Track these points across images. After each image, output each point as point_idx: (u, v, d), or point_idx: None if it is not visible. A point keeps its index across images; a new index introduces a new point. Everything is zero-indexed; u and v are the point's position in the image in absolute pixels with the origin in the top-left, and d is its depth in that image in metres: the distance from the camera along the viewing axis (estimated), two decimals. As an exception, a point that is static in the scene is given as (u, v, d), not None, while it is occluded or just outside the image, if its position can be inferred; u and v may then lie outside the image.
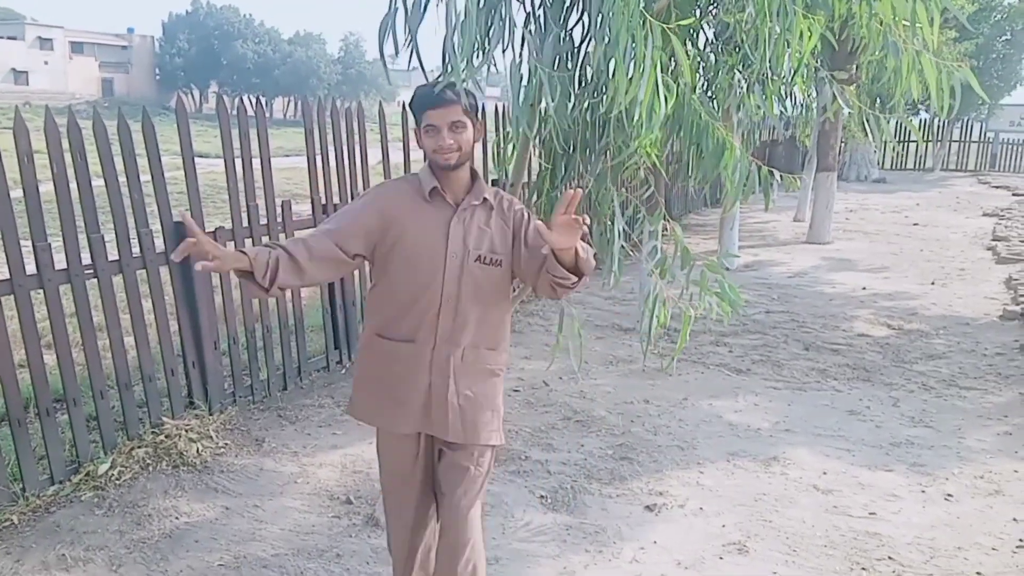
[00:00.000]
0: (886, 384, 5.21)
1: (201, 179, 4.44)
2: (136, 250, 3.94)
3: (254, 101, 4.74)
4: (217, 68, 51.29)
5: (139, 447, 3.85)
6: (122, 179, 3.80)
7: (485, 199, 2.28)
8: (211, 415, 4.28)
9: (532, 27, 3.09)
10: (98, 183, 3.63)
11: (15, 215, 3.35)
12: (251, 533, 3.30)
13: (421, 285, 2.24)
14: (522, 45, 3.02)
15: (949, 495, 3.73)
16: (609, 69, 2.79)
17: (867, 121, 4.13)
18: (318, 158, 4.87)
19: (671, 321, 4.07)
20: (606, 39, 2.66)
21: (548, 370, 5.06)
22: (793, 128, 12.06)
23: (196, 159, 4.28)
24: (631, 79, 2.59)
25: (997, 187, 18.72)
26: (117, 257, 3.85)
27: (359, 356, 2.45)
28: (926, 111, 19.47)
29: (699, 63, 3.67)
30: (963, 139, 24.11)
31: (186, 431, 4.00)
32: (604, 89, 3.10)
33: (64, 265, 3.60)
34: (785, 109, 4.11)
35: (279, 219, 4.69)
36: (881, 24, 3.39)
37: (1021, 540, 3.34)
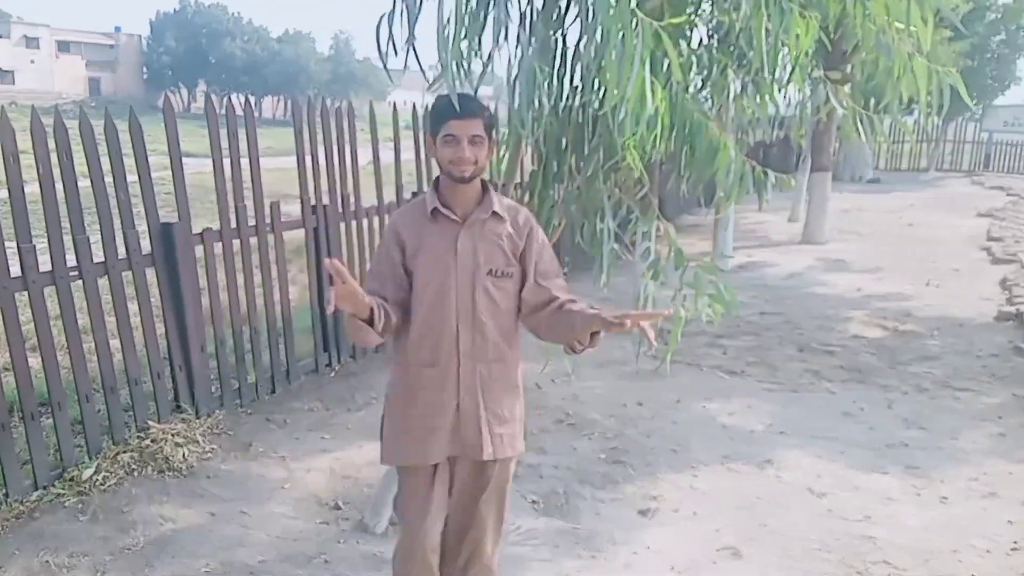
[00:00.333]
0: (880, 386, 5.18)
1: (189, 179, 4.39)
2: (122, 252, 3.89)
3: (243, 100, 4.70)
4: (205, 67, 51.09)
5: (124, 452, 3.80)
6: (108, 179, 3.76)
7: (495, 212, 2.24)
8: (198, 419, 4.23)
9: (525, 26, 3.06)
10: (84, 184, 3.59)
11: (-1, 216, 3.31)
12: (238, 539, 3.26)
13: (435, 305, 2.21)
14: (517, 45, 2.99)
15: (944, 497, 3.70)
16: (600, 67, 2.76)
17: (861, 121, 4.10)
18: (308, 158, 4.83)
19: (664, 322, 4.03)
20: (596, 37, 2.63)
21: (541, 372, 5.02)
22: (788, 128, 12.06)
23: (184, 159, 4.23)
24: (621, 77, 2.56)
25: (992, 188, 18.76)
26: (103, 259, 3.80)
27: (388, 398, 2.38)
28: (920, 111, 19.51)
29: (692, 62, 3.63)
30: (957, 139, 24.17)
31: (172, 435, 3.95)
32: (594, 88, 3.06)
33: (49, 267, 3.55)
34: (779, 109, 4.08)
35: (268, 220, 4.65)
36: (875, 24, 3.37)
37: (1016, 542, 3.32)
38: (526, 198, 3.85)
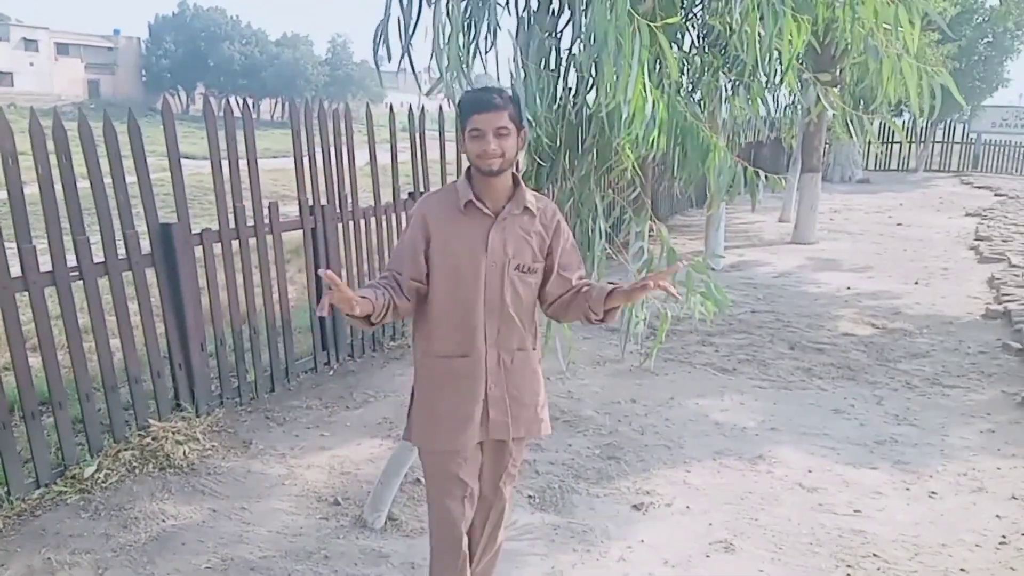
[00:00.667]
0: (870, 383, 5.25)
1: (188, 180, 4.43)
2: (122, 252, 3.92)
3: (241, 102, 4.73)
4: (204, 70, 50.95)
5: (125, 449, 3.84)
6: (108, 181, 3.79)
7: (527, 207, 2.29)
8: (198, 417, 4.26)
9: (521, 29, 3.11)
10: (83, 185, 3.62)
11: (-1, 217, 3.33)
12: (238, 535, 3.30)
13: (466, 297, 2.27)
14: (515, 49, 3.03)
15: (933, 492, 3.77)
16: (596, 69, 2.81)
17: (851, 122, 4.16)
18: (305, 159, 4.87)
19: (655, 320, 4.09)
20: (592, 39, 2.67)
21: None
22: (778, 129, 12.13)
23: (183, 160, 4.27)
24: (618, 79, 2.60)
25: (980, 187, 18.89)
26: (103, 259, 3.83)
27: (417, 382, 2.43)
28: (909, 112, 19.63)
29: (684, 64, 3.69)
30: (946, 140, 24.30)
31: (173, 433, 3.99)
32: (589, 90, 3.11)
33: (49, 267, 3.58)
34: (770, 111, 4.13)
35: (266, 220, 4.68)
36: (864, 28, 3.43)
37: (1004, 536, 3.38)
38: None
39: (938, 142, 24.10)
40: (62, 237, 3.59)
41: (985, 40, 20.90)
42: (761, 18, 2.98)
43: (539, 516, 3.49)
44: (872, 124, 4.24)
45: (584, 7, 2.70)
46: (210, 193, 4.50)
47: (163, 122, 4.10)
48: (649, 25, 2.67)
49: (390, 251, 5.65)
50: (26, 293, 3.48)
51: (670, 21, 2.94)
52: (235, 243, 4.54)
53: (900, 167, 23.76)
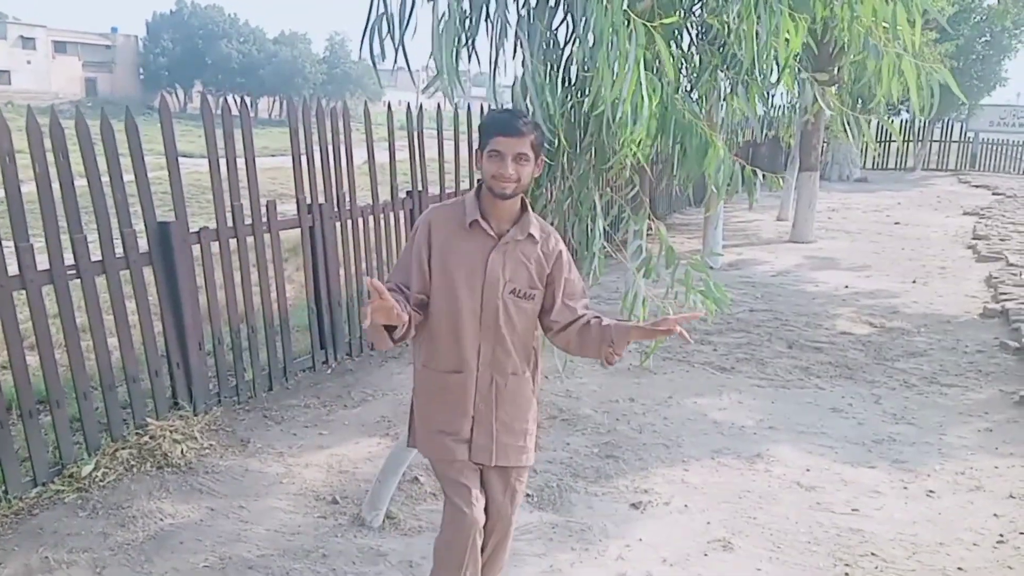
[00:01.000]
0: (868, 382, 5.26)
1: (185, 179, 4.42)
2: (120, 250, 3.92)
3: (239, 101, 4.73)
4: (202, 68, 50.87)
5: (123, 448, 3.83)
6: (105, 179, 3.78)
7: (530, 234, 2.29)
8: (196, 416, 4.26)
9: (521, 28, 3.11)
10: (81, 183, 3.61)
11: (-4, 215, 3.33)
12: (236, 534, 3.29)
13: (461, 316, 2.27)
14: (515, 48, 3.03)
15: (931, 491, 3.77)
16: (594, 67, 2.80)
17: (849, 122, 4.16)
18: (303, 158, 4.87)
19: (652, 318, 4.08)
20: (590, 38, 2.67)
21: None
22: (776, 128, 12.14)
23: (180, 159, 4.26)
24: (615, 77, 2.60)
25: (977, 186, 18.93)
26: (100, 258, 3.82)
27: (415, 392, 2.47)
28: (907, 111, 19.65)
29: (682, 63, 3.69)
30: (944, 139, 24.34)
31: (170, 432, 3.98)
32: (587, 89, 3.11)
33: (47, 266, 3.57)
34: (768, 110, 4.14)
35: (264, 219, 4.68)
36: (862, 26, 3.43)
37: (1002, 535, 3.38)
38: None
39: (936, 141, 24.16)
40: (59, 235, 3.59)
41: (983, 39, 20.94)
42: (758, 17, 2.98)
43: (537, 515, 3.49)
44: (869, 123, 4.23)
45: (581, 5, 2.69)
46: (208, 192, 4.49)
47: (161, 120, 4.09)
48: (645, 24, 2.67)
49: (388, 250, 5.65)
50: (23, 292, 3.47)
51: (667, 21, 2.94)
52: (233, 242, 4.53)
53: (898, 166, 23.81)
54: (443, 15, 2.79)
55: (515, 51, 3.02)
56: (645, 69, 2.74)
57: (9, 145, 3.33)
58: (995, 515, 3.55)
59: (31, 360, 3.60)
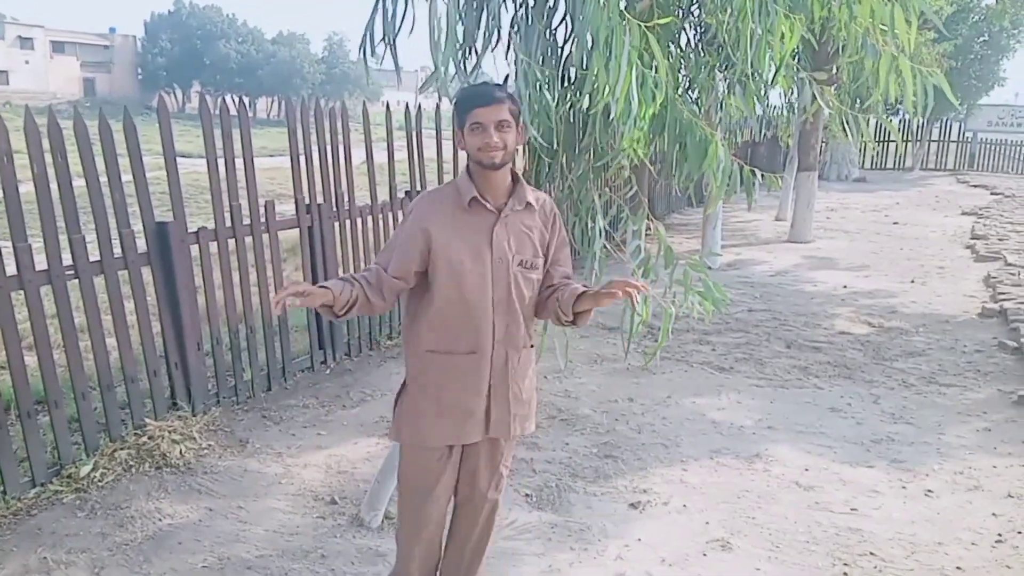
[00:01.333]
0: (867, 381, 5.26)
1: (183, 179, 4.41)
2: (118, 251, 3.91)
3: (237, 101, 4.73)
4: (200, 68, 50.87)
5: (121, 449, 3.83)
6: (103, 179, 3.78)
7: (528, 203, 2.30)
8: (194, 416, 4.25)
9: (518, 27, 3.11)
10: (79, 183, 3.61)
11: (-5, 216, 3.33)
12: (235, 534, 3.29)
13: (472, 295, 2.25)
14: (508, 47, 3.04)
15: (929, 491, 3.77)
16: (591, 66, 2.81)
17: (847, 121, 4.17)
18: (301, 158, 4.86)
19: (654, 319, 4.09)
20: (586, 38, 2.68)
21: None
22: (775, 128, 12.15)
23: (179, 159, 4.26)
24: (609, 76, 2.61)
25: (975, 186, 18.95)
26: (99, 258, 3.82)
27: (412, 380, 2.38)
28: (904, 111, 19.64)
29: (681, 63, 3.69)
30: (942, 139, 24.39)
31: (169, 432, 3.98)
32: (584, 88, 3.12)
33: (45, 266, 3.57)
34: (765, 110, 4.14)
35: (262, 219, 4.67)
36: (860, 27, 3.43)
37: (1000, 535, 3.38)
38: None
39: (934, 141, 24.20)
40: (58, 236, 3.58)
41: (981, 39, 20.99)
42: (754, 17, 2.99)
43: (536, 515, 3.49)
44: (868, 123, 4.24)
45: (578, 5, 2.69)
46: (206, 192, 4.48)
47: (159, 120, 4.09)
48: (640, 25, 2.67)
49: (387, 250, 5.64)
50: (22, 292, 3.46)
51: (663, 21, 2.95)
52: (231, 242, 4.52)
53: (896, 166, 23.84)
54: (441, 15, 2.79)
55: (508, 50, 3.02)
56: (641, 68, 2.75)
57: (7, 145, 3.32)
58: (993, 515, 3.55)
59: (29, 360, 3.59)
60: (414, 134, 5.58)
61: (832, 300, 7.61)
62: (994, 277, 8.29)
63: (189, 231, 4.27)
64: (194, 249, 4.32)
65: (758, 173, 3.74)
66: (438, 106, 5.64)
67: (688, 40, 3.87)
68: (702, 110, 3.79)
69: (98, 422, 3.92)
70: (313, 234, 5.05)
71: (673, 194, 13.07)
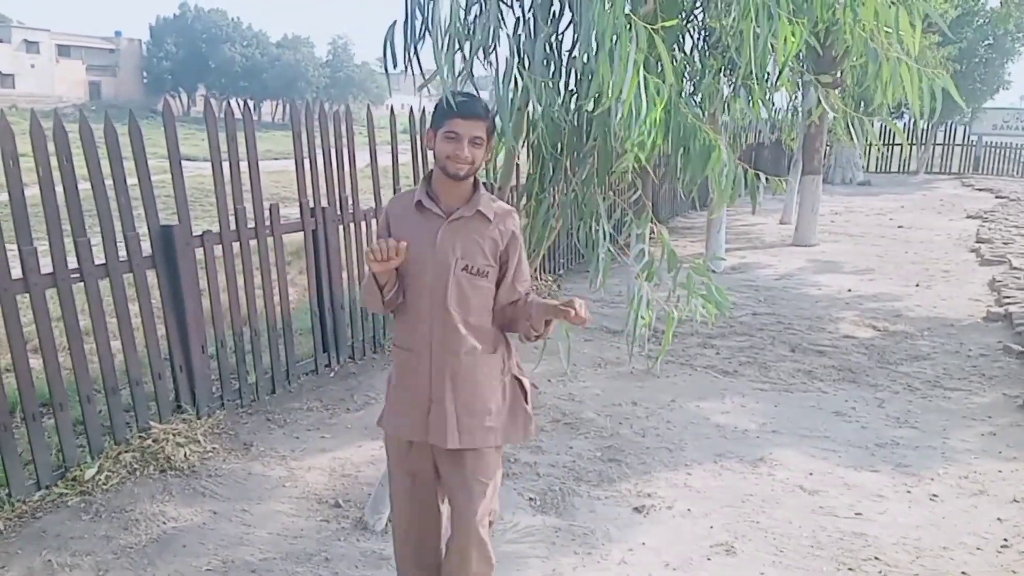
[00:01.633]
0: (871, 385, 5.25)
1: (188, 182, 4.43)
2: (123, 254, 3.92)
3: (242, 104, 4.74)
4: (205, 71, 51.08)
5: (126, 452, 3.84)
6: (108, 183, 3.79)
7: (479, 211, 2.30)
8: (199, 419, 4.26)
9: (522, 30, 3.11)
10: (84, 186, 3.62)
11: (0, 219, 3.33)
12: (239, 537, 3.30)
13: (416, 294, 2.31)
14: (511, 51, 3.03)
15: (934, 495, 3.76)
16: (597, 70, 2.80)
17: (852, 125, 4.16)
18: (306, 161, 4.87)
19: (657, 323, 4.09)
20: (592, 40, 2.67)
21: (536, 372, 5.07)
22: (779, 132, 12.13)
23: (184, 162, 4.28)
24: (616, 79, 2.60)
25: (980, 190, 18.89)
26: (104, 261, 3.83)
27: (392, 371, 2.51)
28: (909, 114, 19.62)
29: (685, 66, 3.69)
30: (947, 142, 24.33)
31: (173, 435, 3.99)
32: (588, 91, 3.11)
33: (50, 269, 3.58)
34: (770, 113, 4.14)
35: (267, 222, 4.68)
36: (864, 30, 3.43)
37: (1006, 540, 3.37)
38: (523, 201, 3.90)
39: (939, 144, 24.13)
40: (63, 239, 3.60)
41: (986, 42, 20.94)
42: (757, 20, 2.98)
43: (540, 518, 3.49)
44: (872, 126, 4.24)
45: (583, 8, 2.69)
46: (211, 195, 4.50)
47: (164, 124, 4.10)
48: (646, 27, 2.67)
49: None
50: (27, 295, 3.47)
51: (668, 24, 2.94)
52: (236, 245, 4.54)
53: (901, 169, 23.78)
54: (446, 18, 2.79)
55: (511, 56, 3.02)
56: (647, 72, 2.75)
57: (13, 148, 3.34)
58: (999, 519, 3.54)
59: (34, 363, 3.60)
60: (418, 137, 5.59)
61: (836, 304, 7.59)
62: (999, 281, 8.26)
63: (194, 234, 4.28)
64: (199, 252, 4.34)
65: (762, 177, 3.74)
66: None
67: (692, 44, 3.87)
68: (706, 114, 3.79)
69: (103, 425, 3.92)
70: (317, 237, 5.06)
71: (677, 198, 13.06)
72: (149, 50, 52.98)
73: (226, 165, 4.42)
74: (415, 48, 2.88)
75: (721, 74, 3.70)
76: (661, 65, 2.87)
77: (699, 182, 3.44)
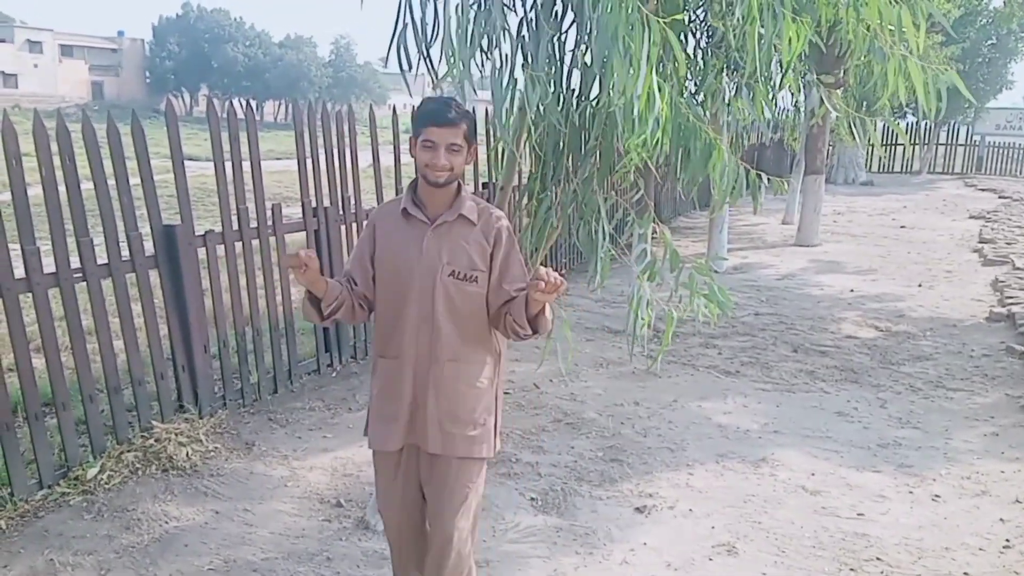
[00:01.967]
0: (873, 385, 5.24)
1: (191, 182, 4.43)
2: (125, 253, 3.93)
3: (244, 104, 4.74)
4: (207, 71, 51.08)
5: (128, 451, 3.84)
6: (111, 183, 3.80)
7: (461, 215, 2.29)
8: (201, 419, 4.27)
9: (525, 31, 3.11)
10: (87, 187, 3.62)
11: (3, 219, 3.34)
12: (241, 537, 3.30)
13: (398, 302, 2.30)
14: (513, 51, 3.03)
15: (936, 496, 3.76)
16: (604, 67, 2.79)
17: (854, 124, 4.16)
18: (308, 161, 4.87)
19: (659, 323, 4.09)
20: (606, 35, 2.65)
21: (538, 372, 5.08)
22: (781, 131, 12.12)
23: (186, 162, 4.28)
24: (629, 75, 2.59)
25: (983, 190, 18.87)
26: (106, 261, 3.84)
27: (372, 382, 2.49)
28: (912, 114, 19.61)
29: (688, 66, 3.69)
30: (950, 142, 24.30)
31: (176, 435, 3.99)
32: (591, 91, 3.11)
33: (53, 269, 3.58)
34: (773, 113, 4.13)
35: (269, 222, 4.69)
36: (868, 29, 3.42)
37: (1008, 540, 3.37)
38: (524, 200, 3.90)
39: (942, 144, 24.10)
40: (66, 239, 3.60)
41: (989, 42, 20.93)
42: (761, 20, 2.98)
43: (541, 518, 3.49)
44: (875, 126, 4.23)
45: (592, 3, 2.68)
46: (213, 195, 4.51)
47: (167, 124, 4.11)
48: (658, 21, 2.66)
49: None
50: (30, 294, 3.48)
51: (675, 17, 2.93)
52: (238, 245, 4.54)
53: (904, 169, 23.74)
54: (448, 19, 2.79)
55: (513, 56, 3.01)
56: (656, 67, 2.74)
57: (16, 148, 3.34)
58: (1001, 520, 3.54)
59: (37, 363, 3.61)
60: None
61: (839, 304, 7.58)
62: (1002, 281, 8.25)
63: (196, 234, 4.29)
64: (201, 252, 4.34)
65: (764, 177, 3.74)
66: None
67: (695, 43, 3.86)
68: (708, 113, 3.79)
69: (105, 424, 3.93)
70: (320, 237, 5.06)
71: (679, 197, 13.05)
72: (152, 50, 53.01)
73: (229, 165, 4.41)
74: (427, 49, 2.89)
75: (723, 73, 3.69)
76: (669, 62, 2.86)
77: (699, 182, 3.44)
